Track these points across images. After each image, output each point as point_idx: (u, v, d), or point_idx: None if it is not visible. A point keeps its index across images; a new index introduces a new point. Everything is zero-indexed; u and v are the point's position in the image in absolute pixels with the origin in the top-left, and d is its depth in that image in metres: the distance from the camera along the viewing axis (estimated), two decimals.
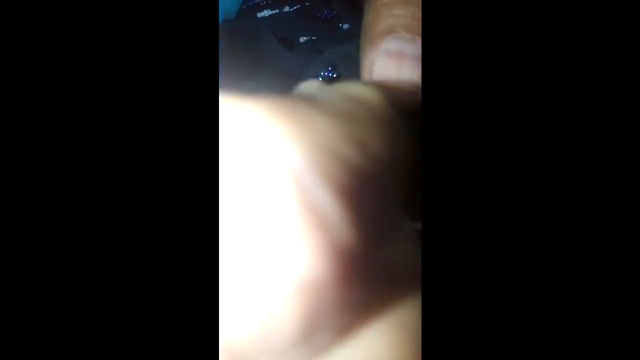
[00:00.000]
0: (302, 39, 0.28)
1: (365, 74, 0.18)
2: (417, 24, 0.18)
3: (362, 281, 0.13)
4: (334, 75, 0.21)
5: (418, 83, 0.18)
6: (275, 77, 0.26)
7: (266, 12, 0.34)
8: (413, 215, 0.17)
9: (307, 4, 0.33)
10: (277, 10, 0.34)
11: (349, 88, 0.14)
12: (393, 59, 0.18)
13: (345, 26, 0.31)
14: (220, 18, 0.39)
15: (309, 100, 0.13)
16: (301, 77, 0.22)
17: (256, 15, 0.34)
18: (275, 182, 0.11)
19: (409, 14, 0.18)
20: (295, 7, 0.33)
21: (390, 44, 0.18)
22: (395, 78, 0.18)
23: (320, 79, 0.21)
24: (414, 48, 0.18)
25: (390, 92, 0.16)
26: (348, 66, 0.21)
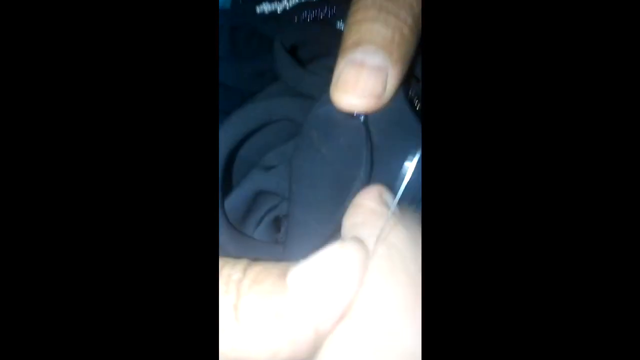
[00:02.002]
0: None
1: (334, 80, 0.21)
2: (383, 39, 0.21)
3: None
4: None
5: (377, 89, 0.20)
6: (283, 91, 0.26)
7: (265, 7, 0.33)
8: None
9: None
10: (275, 5, 0.33)
11: None
12: (356, 66, 0.20)
13: (342, 25, 0.30)
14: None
15: None
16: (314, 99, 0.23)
17: (255, 10, 0.34)
18: None
19: (375, 30, 0.21)
20: (293, 1, 0.33)
21: (355, 55, 0.20)
22: (355, 83, 0.20)
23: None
24: (376, 59, 0.20)
25: None
26: None
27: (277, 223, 0.25)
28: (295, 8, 0.32)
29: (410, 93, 0.23)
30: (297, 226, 0.22)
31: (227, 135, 0.24)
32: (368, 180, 0.20)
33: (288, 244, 0.22)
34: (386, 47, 0.20)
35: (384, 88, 0.20)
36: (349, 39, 0.21)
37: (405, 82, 0.22)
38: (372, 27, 0.21)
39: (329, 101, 0.21)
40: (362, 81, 0.20)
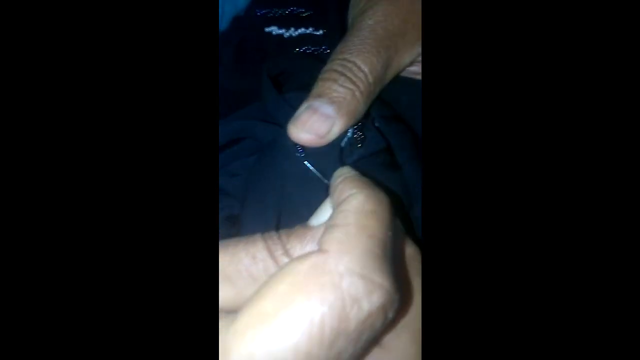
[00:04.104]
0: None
1: (293, 117, 0.27)
2: (337, 96, 0.27)
3: None
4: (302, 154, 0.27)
5: (321, 131, 0.26)
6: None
7: (274, 29, 0.37)
8: None
9: (310, 28, 0.37)
10: (283, 31, 0.37)
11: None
12: (310, 111, 0.27)
13: None
14: (231, 14, 0.42)
15: None
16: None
17: (264, 28, 0.37)
18: None
19: (333, 88, 0.27)
20: (299, 30, 0.37)
21: (313, 102, 0.27)
22: (305, 123, 0.26)
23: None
24: (327, 109, 0.27)
25: None
26: None
27: (231, 219, 0.28)
28: (299, 38, 0.36)
29: (351, 137, 0.28)
30: (245, 230, 0.25)
31: None
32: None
33: None
34: (338, 103, 0.27)
35: (328, 132, 0.27)
36: (315, 90, 0.28)
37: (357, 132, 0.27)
38: (332, 85, 0.27)
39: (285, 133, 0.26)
40: (311, 122, 0.26)
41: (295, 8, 0.37)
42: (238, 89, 0.37)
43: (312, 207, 0.23)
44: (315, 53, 0.35)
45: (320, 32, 0.36)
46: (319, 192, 0.25)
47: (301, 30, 0.36)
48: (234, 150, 0.29)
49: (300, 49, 0.35)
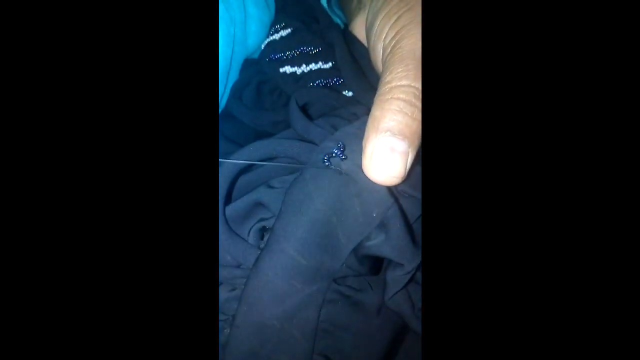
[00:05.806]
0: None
1: (366, 154, 0.27)
2: (409, 129, 0.26)
3: None
4: (343, 157, 0.28)
5: (402, 172, 0.26)
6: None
7: (287, 69, 0.41)
8: None
9: (320, 63, 0.41)
10: (295, 68, 0.41)
11: None
12: (387, 151, 0.26)
13: (350, 93, 0.38)
14: (242, 55, 0.46)
15: None
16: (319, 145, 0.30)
17: (279, 69, 0.42)
18: None
19: (404, 121, 0.26)
20: (310, 66, 0.41)
21: (387, 139, 0.26)
22: (387, 165, 0.26)
23: (333, 153, 0.29)
24: (402, 146, 0.26)
25: None
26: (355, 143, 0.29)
27: (264, 231, 0.31)
28: (311, 73, 0.40)
29: None
30: (275, 242, 0.27)
31: (239, 158, 0.31)
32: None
33: (262, 255, 0.27)
34: (410, 137, 0.26)
35: (406, 171, 0.27)
36: (383, 122, 0.26)
37: None
38: (403, 118, 0.26)
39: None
40: (391, 164, 0.26)
41: (304, 47, 0.41)
42: (259, 126, 0.40)
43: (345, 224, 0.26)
44: (329, 85, 0.39)
45: (329, 64, 0.40)
46: (353, 209, 0.27)
47: (312, 66, 0.40)
48: (274, 168, 0.31)
49: (313, 82, 0.39)
